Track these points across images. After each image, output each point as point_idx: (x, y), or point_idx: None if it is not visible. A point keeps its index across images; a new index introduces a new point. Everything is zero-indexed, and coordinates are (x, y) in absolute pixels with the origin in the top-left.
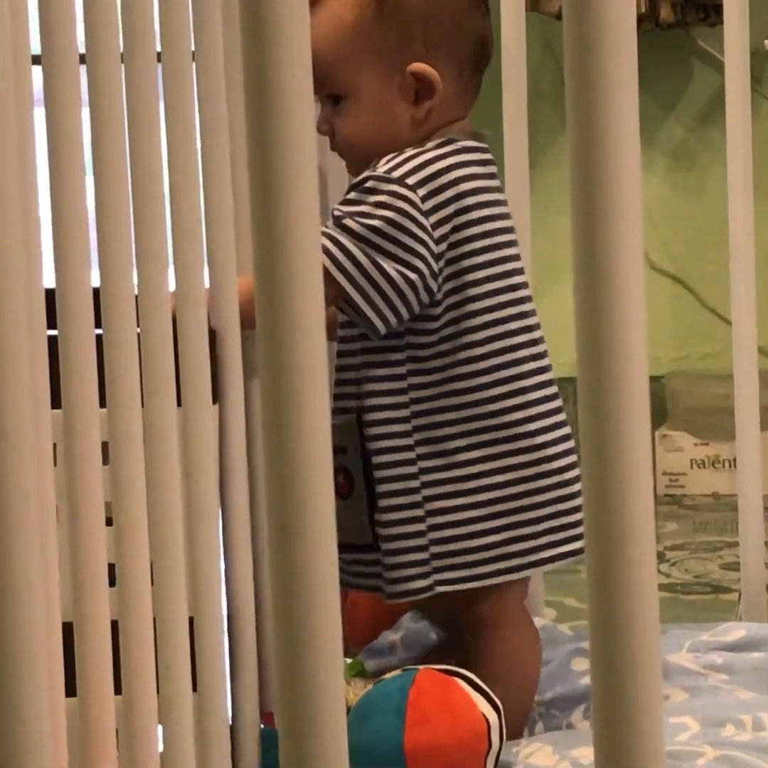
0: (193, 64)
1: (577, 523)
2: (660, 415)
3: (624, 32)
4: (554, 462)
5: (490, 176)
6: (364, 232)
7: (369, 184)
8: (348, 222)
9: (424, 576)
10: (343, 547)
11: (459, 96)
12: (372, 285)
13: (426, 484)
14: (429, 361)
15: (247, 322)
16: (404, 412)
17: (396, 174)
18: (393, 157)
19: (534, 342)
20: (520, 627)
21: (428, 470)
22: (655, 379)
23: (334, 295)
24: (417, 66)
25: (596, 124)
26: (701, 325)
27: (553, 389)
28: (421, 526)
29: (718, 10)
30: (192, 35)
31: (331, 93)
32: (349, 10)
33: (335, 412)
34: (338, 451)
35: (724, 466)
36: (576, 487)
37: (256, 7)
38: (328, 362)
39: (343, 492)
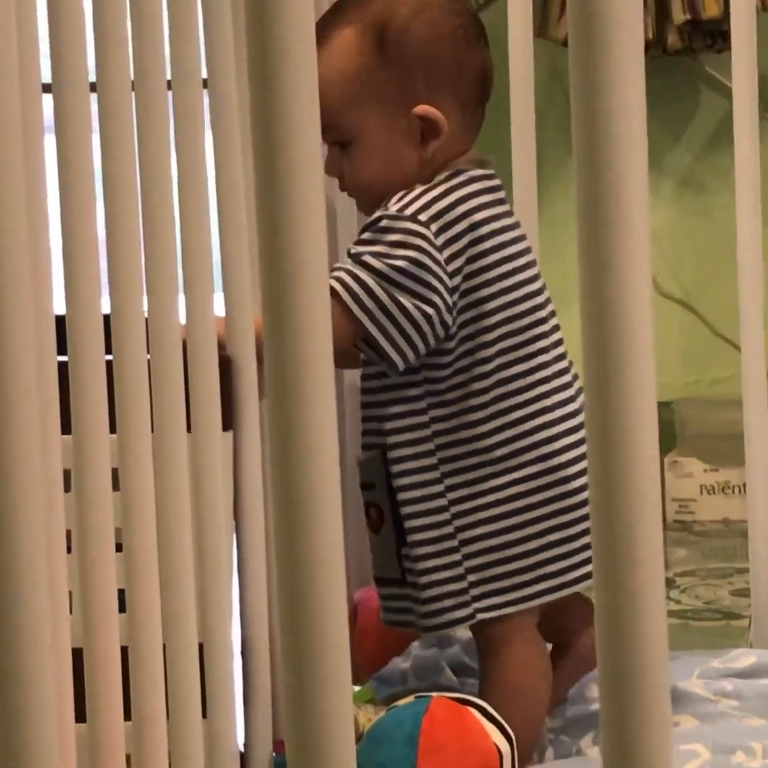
0: (204, 91)
1: None
2: (669, 441)
3: (631, 58)
4: (575, 481)
5: (500, 202)
6: (384, 270)
7: (383, 223)
8: (367, 259)
9: (464, 605)
10: (378, 581)
11: (463, 131)
12: (391, 321)
13: (457, 515)
14: (446, 393)
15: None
16: (428, 446)
17: (408, 211)
18: (404, 195)
19: (557, 359)
20: (530, 649)
21: (458, 501)
22: (664, 405)
23: (354, 331)
24: (421, 109)
25: (603, 150)
26: (710, 350)
27: (574, 406)
28: (457, 556)
29: (726, 36)
30: (203, 62)
31: (337, 140)
32: (350, 58)
33: (363, 447)
34: (368, 486)
35: (734, 492)
36: None
37: (264, 45)
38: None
39: (376, 527)
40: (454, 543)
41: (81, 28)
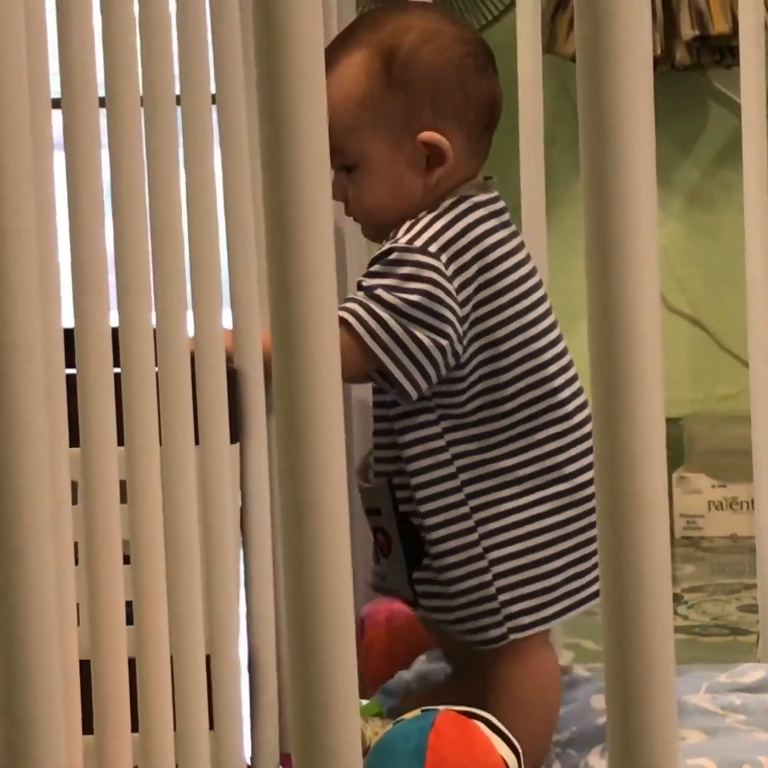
0: (213, 106)
1: None
2: (677, 457)
3: (640, 74)
4: (593, 501)
5: (505, 225)
6: (398, 304)
7: (393, 256)
8: (380, 293)
9: (497, 625)
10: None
11: (469, 158)
12: (406, 353)
13: (484, 536)
14: (464, 418)
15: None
16: (449, 469)
17: (418, 243)
18: (411, 226)
19: (570, 381)
20: (542, 662)
21: (484, 521)
22: (672, 421)
23: (368, 363)
24: (426, 135)
25: (612, 165)
26: (719, 366)
27: (591, 426)
28: (487, 577)
29: (734, 52)
30: (212, 78)
31: (343, 164)
32: (358, 82)
33: (376, 475)
34: (375, 512)
35: (742, 508)
36: None
37: (273, 65)
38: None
39: (384, 550)
40: (484, 563)
41: (90, 44)
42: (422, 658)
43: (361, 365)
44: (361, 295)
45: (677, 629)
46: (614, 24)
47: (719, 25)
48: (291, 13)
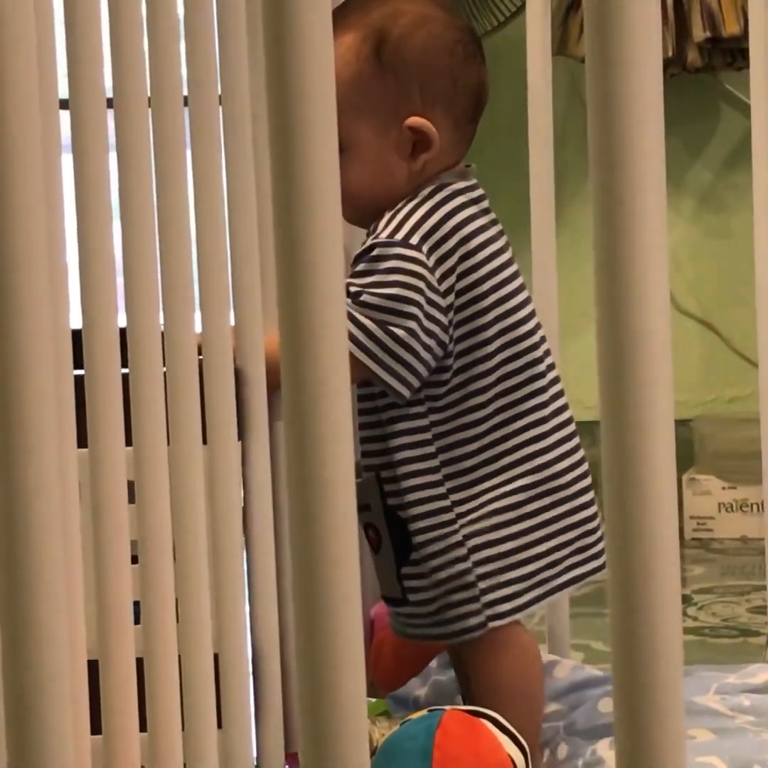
0: (220, 108)
1: (595, 543)
2: (687, 459)
3: (650, 76)
4: (570, 488)
5: (485, 212)
6: (380, 302)
7: (375, 252)
8: (364, 298)
9: (476, 613)
10: (385, 599)
11: (454, 146)
12: (392, 357)
13: (465, 524)
14: (445, 410)
15: (273, 383)
16: (434, 462)
17: (399, 236)
18: (391, 218)
19: (548, 368)
20: (522, 650)
21: (465, 513)
22: (682, 423)
23: (359, 374)
24: (414, 120)
25: (622, 167)
26: (729, 368)
27: (567, 414)
28: (467, 564)
29: (745, 54)
30: (219, 80)
31: None
32: (348, 65)
33: (364, 469)
34: (365, 508)
35: (752, 510)
36: (591, 510)
37: (281, 54)
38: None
39: (375, 547)
40: (464, 551)
41: (98, 44)
42: (434, 664)
43: (353, 377)
44: (347, 303)
45: (687, 631)
46: (624, 26)
47: (731, 27)
48: (300, 12)
